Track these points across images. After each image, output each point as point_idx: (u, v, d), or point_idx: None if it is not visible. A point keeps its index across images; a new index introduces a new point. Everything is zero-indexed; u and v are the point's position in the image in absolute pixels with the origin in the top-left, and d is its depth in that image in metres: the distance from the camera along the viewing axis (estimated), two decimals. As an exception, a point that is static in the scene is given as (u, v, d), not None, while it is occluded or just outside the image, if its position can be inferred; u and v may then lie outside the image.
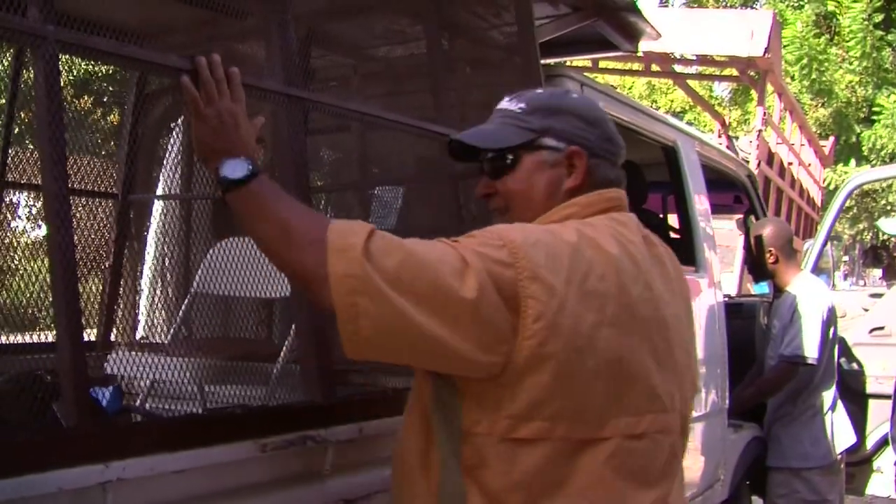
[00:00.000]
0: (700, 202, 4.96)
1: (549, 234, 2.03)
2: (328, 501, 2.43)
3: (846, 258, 40.92)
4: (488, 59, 3.62)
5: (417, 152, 3.27)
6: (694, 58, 11.04)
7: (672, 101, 26.92)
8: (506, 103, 2.32)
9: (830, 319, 5.41)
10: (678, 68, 12.24)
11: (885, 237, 5.69)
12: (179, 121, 3.90)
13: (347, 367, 2.75)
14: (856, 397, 5.98)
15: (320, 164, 3.69)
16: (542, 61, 3.96)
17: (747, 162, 9.50)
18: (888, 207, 23.15)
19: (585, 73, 14.63)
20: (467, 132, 2.30)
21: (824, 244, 6.57)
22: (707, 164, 5.27)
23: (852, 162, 23.33)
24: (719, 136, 12.37)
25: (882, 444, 5.96)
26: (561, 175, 2.20)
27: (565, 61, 7.01)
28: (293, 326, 2.83)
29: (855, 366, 6.25)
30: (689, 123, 26.30)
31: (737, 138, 12.73)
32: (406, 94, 3.39)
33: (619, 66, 12.55)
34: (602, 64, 11.71)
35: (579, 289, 1.95)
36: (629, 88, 27.37)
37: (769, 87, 10.67)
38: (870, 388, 6.20)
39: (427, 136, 3.06)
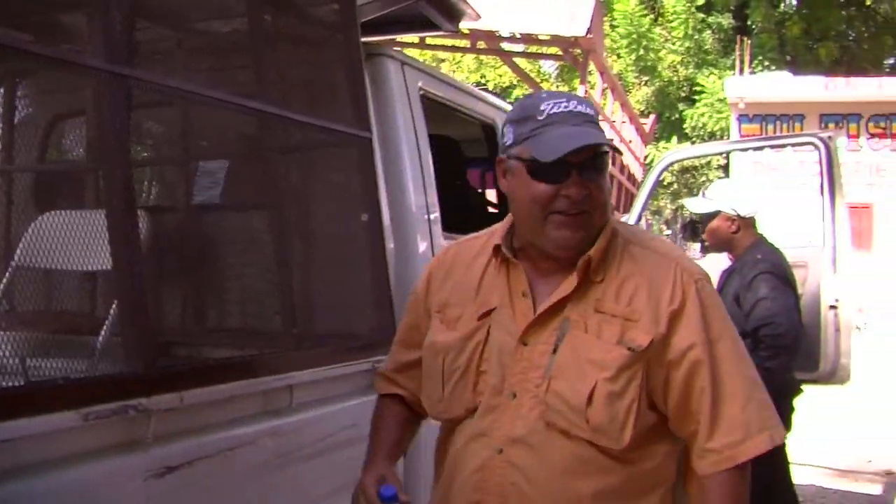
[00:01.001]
0: (518, 177, 5.10)
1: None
2: (151, 468, 2.47)
3: (668, 232, 42.21)
4: (310, 36, 3.68)
5: (241, 128, 3.31)
6: (519, 36, 11.29)
7: (500, 76, 27.28)
8: (580, 107, 2.33)
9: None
10: (506, 46, 12.47)
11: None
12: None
13: (170, 339, 2.81)
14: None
15: (143, 139, 3.69)
16: (368, 39, 4.06)
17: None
18: (707, 184, 24.04)
19: (413, 49, 14.76)
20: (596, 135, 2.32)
21: (639, 218, 6.82)
22: (526, 141, 5.42)
23: (674, 139, 24.17)
24: (545, 113, 12.64)
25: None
26: None
27: (393, 39, 7.10)
28: (116, 299, 2.86)
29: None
30: (517, 99, 26.74)
31: (561, 115, 13.01)
32: (228, 70, 3.43)
33: (447, 42, 12.73)
34: (430, 40, 11.88)
35: None
36: (458, 62, 27.68)
37: (591, 66, 10.98)
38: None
39: (250, 113, 3.12)
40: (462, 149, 5.41)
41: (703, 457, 2.31)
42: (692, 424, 2.32)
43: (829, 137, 6.48)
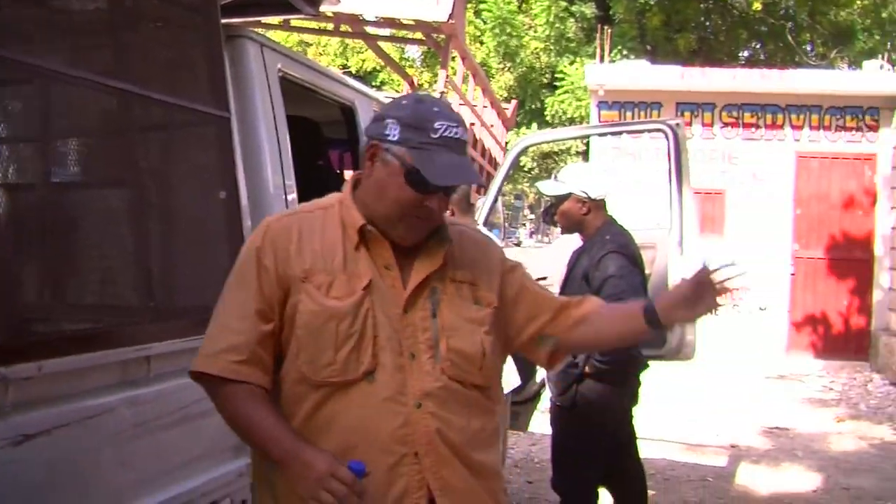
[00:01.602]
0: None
1: None
2: (10, 436, 2.52)
3: (532, 216, 42.45)
4: (170, 18, 3.71)
5: (99, 106, 3.34)
6: (382, 20, 11.32)
7: (364, 60, 27.19)
8: (463, 134, 2.65)
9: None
10: (370, 30, 12.49)
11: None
12: None
13: (29, 311, 2.86)
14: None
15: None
16: (230, 21, 4.11)
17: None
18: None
19: (280, 32, 14.59)
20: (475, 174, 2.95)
21: (494, 200, 6.97)
22: (385, 123, 5.53)
23: (535, 126, 24.44)
24: (408, 97, 12.73)
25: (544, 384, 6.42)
26: None
27: (258, 21, 7.10)
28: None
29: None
30: (382, 83, 26.77)
31: (426, 99, 13.11)
32: (87, 49, 3.45)
33: (312, 25, 12.74)
34: (295, 23, 11.86)
35: None
36: (324, 46, 27.55)
37: (453, 52, 11.08)
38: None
39: (108, 91, 3.16)
40: (322, 130, 5.51)
41: (584, 302, 2.97)
42: (553, 306, 2.95)
43: (677, 124, 6.70)
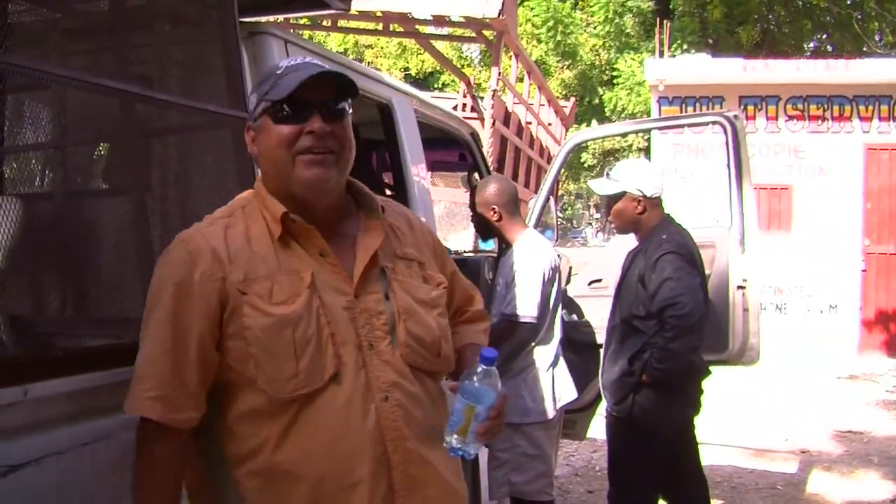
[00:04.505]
0: (415, 159, 5.00)
1: None
2: (-6, 467, 2.34)
3: (598, 215, 42.35)
4: (184, 14, 3.53)
5: (109, 111, 3.15)
6: (430, 18, 11.18)
7: (423, 61, 27.13)
8: (313, 60, 2.54)
9: (552, 276, 5.56)
10: (425, 29, 12.38)
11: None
12: None
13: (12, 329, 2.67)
14: (576, 348, 6.18)
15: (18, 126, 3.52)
16: (258, 19, 3.93)
17: (482, 120, 9.72)
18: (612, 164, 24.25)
19: (327, 33, 14.59)
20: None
21: (546, 200, 6.72)
22: (425, 122, 5.33)
23: (594, 122, 24.25)
24: (464, 96, 12.61)
25: (603, 391, 6.16)
26: None
27: (287, 19, 6.95)
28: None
29: (574, 317, 6.46)
30: (444, 85, 26.68)
31: (482, 98, 12.99)
32: (101, 52, 3.29)
33: (363, 25, 12.60)
34: (344, 24, 11.75)
35: None
36: (382, 48, 27.49)
37: (507, 48, 10.92)
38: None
39: (114, 94, 2.97)
40: (358, 131, 5.30)
41: (486, 317, 3.00)
42: (476, 298, 2.98)
43: (735, 117, 6.45)
